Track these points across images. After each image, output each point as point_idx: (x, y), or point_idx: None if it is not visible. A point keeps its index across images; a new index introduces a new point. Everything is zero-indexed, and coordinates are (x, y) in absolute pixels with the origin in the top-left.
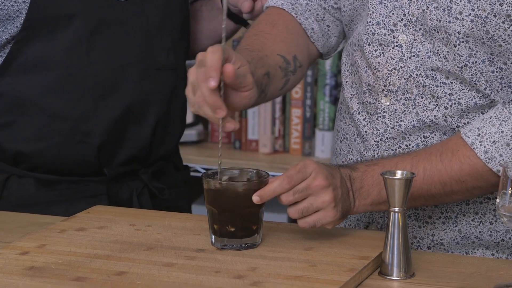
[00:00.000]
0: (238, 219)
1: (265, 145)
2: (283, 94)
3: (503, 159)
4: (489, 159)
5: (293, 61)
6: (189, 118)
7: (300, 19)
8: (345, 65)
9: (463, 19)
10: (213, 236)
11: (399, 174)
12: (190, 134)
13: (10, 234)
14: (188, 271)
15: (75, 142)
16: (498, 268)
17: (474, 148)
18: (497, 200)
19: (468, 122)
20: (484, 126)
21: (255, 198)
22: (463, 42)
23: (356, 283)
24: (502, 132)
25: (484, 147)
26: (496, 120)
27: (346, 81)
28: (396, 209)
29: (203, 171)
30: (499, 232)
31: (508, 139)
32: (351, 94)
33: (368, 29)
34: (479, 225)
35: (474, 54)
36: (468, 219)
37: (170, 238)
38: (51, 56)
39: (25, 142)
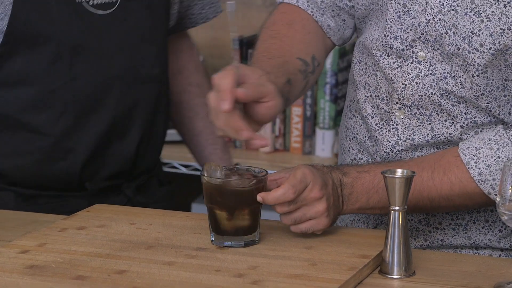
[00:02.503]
0: (238, 217)
1: None
2: (303, 94)
3: (495, 183)
4: (482, 181)
5: (311, 62)
6: None
7: (316, 16)
8: (359, 63)
9: (484, 52)
10: (213, 234)
11: (399, 172)
12: None
13: (10, 232)
14: (189, 270)
15: (56, 159)
16: (498, 266)
17: (469, 168)
18: (497, 198)
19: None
20: (482, 147)
21: (258, 198)
22: (482, 73)
23: (356, 282)
24: (499, 157)
25: (479, 168)
26: (495, 144)
27: (359, 81)
28: (397, 208)
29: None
30: (506, 238)
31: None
32: (365, 96)
33: (386, 42)
34: (488, 232)
35: (491, 82)
36: (478, 227)
37: (170, 237)
38: (32, 71)
39: (5, 158)
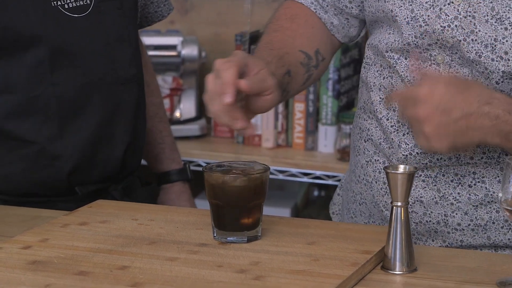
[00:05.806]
0: (240, 212)
1: (268, 139)
2: (306, 88)
3: None
4: None
5: (315, 56)
6: (191, 113)
7: (319, 13)
8: (374, 65)
9: (509, 60)
10: (215, 230)
11: (401, 168)
12: (193, 128)
13: (12, 228)
14: (191, 266)
15: (43, 166)
16: (500, 262)
17: None
18: (500, 194)
19: None
20: None
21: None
22: (506, 79)
23: (358, 278)
24: None
25: None
26: None
27: (374, 83)
28: (399, 204)
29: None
30: None
31: None
32: (380, 98)
33: (400, 48)
34: (508, 231)
35: None
36: (497, 226)
37: (172, 233)
38: (12, 78)
39: None
